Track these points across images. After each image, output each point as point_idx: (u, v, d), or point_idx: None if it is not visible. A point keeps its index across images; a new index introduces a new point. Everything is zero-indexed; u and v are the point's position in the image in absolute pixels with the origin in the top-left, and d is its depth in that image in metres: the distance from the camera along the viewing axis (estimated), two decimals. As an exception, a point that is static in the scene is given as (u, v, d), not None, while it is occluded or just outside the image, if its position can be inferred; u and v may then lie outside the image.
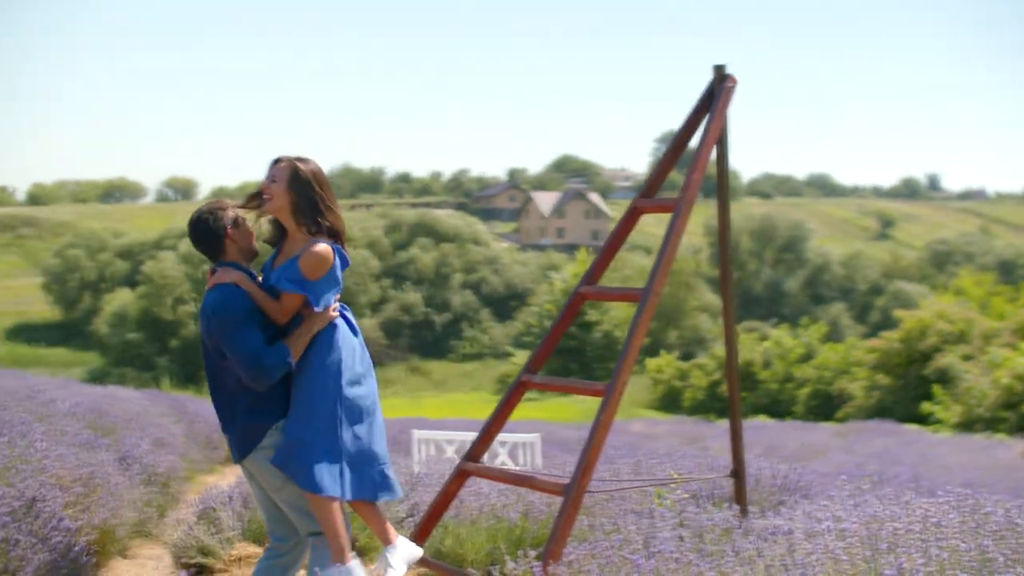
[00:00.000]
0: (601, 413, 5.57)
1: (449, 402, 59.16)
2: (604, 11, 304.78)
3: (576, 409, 49.67)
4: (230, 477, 11.96)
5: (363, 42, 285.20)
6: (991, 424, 35.81)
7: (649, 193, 6.44)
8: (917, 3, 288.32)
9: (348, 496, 4.96)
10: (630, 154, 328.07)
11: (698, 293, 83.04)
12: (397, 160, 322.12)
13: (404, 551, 5.23)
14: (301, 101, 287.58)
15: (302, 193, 4.92)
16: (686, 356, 70.27)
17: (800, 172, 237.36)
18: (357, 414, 5.03)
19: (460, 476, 6.30)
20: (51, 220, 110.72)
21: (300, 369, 4.96)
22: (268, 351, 4.80)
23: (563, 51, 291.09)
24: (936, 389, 42.01)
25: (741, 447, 6.49)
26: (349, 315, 5.18)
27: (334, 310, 5.05)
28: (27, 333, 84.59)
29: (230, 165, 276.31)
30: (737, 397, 6.51)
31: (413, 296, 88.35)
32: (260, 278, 5.09)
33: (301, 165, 4.95)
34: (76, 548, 6.06)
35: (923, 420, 39.67)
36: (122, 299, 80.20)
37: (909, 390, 45.22)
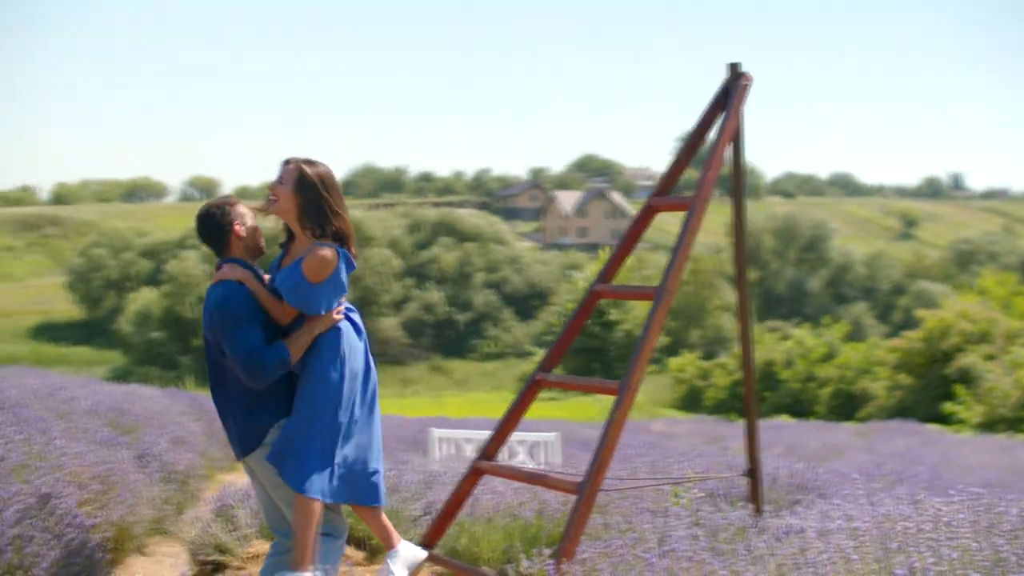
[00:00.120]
0: (615, 411, 5.54)
1: (471, 401, 59.10)
2: (628, 10, 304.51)
3: (598, 408, 49.48)
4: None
5: (387, 42, 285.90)
6: (1013, 424, 35.59)
7: (664, 191, 6.40)
8: (942, 1, 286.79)
9: (329, 499, 4.94)
10: (652, 153, 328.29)
11: (720, 293, 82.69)
12: (419, 159, 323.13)
13: (406, 555, 5.23)
14: (324, 100, 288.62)
15: (308, 196, 4.90)
16: (708, 355, 70.05)
17: (823, 171, 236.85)
18: (357, 419, 5.03)
19: (474, 475, 6.27)
20: (75, 219, 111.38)
21: (303, 370, 4.96)
22: (267, 350, 4.81)
23: (586, 50, 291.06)
24: (958, 389, 41.71)
25: (756, 446, 6.44)
26: (356, 317, 5.15)
27: (339, 313, 5.04)
28: (51, 332, 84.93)
29: (253, 164, 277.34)
30: (752, 396, 6.46)
31: (435, 295, 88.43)
32: (267, 277, 5.10)
33: (308, 168, 4.92)
34: (91, 544, 6.07)
35: (945, 420, 39.34)
36: (145, 298, 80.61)
37: (931, 390, 44.92)
